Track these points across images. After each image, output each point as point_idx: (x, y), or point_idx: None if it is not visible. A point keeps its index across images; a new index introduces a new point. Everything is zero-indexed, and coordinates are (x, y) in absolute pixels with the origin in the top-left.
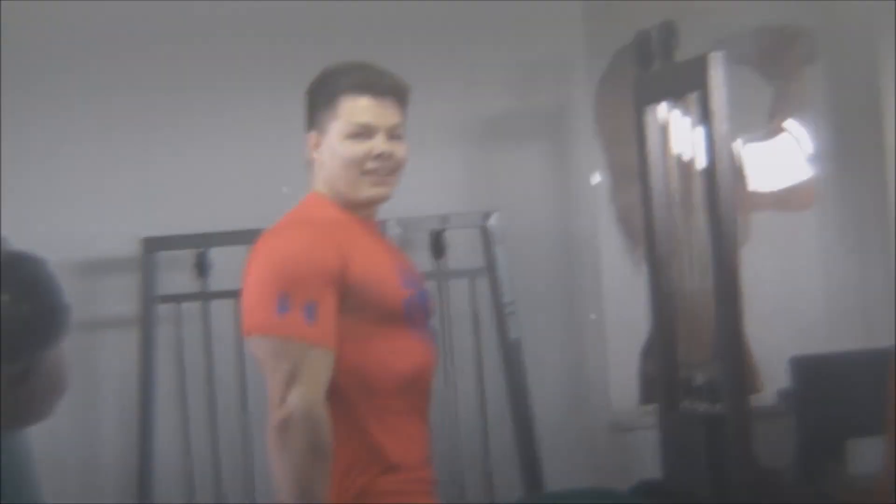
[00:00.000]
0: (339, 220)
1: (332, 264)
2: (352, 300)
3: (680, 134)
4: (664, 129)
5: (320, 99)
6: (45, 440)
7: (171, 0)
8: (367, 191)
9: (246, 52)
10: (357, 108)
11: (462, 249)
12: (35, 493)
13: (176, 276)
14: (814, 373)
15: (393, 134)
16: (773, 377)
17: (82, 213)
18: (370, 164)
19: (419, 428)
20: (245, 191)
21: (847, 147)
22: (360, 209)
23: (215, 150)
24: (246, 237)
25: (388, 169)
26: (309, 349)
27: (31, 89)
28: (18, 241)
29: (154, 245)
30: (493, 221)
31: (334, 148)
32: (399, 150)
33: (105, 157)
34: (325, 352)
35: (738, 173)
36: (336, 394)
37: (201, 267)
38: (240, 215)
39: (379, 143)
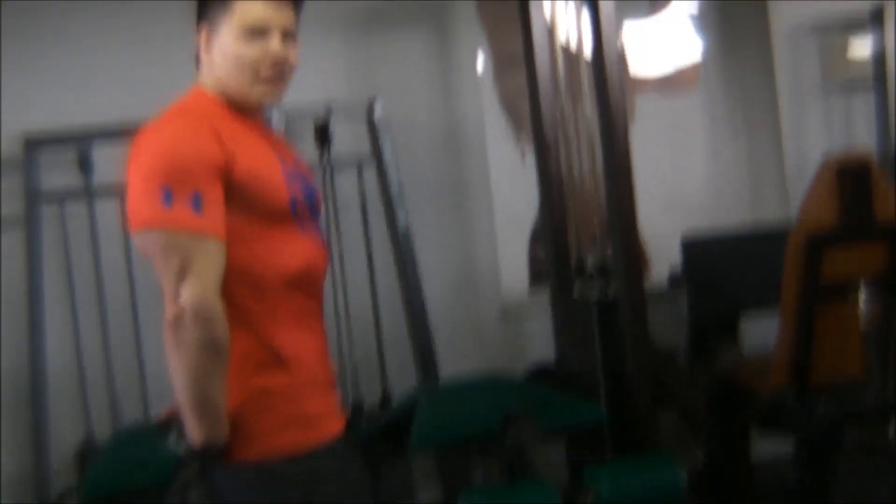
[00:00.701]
0: (220, 113)
1: (215, 155)
2: (237, 198)
3: (564, 18)
4: (548, 14)
5: None
6: None
7: None
8: (260, 94)
9: None
10: (252, 7)
11: (348, 138)
12: None
13: (58, 174)
14: (704, 253)
15: (287, 35)
16: (665, 259)
17: None
18: (265, 70)
19: (312, 326)
20: (127, 85)
21: (731, 26)
22: (249, 110)
23: (98, 41)
24: (130, 131)
25: (281, 73)
26: (199, 241)
27: None
28: None
29: (36, 142)
30: (377, 109)
31: (227, 48)
32: (292, 53)
33: None
34: (215, 243)
35: (623, 56)
36: (225, 293)
37: (84, 164)
38: (123, 109)
39: (274, 45)
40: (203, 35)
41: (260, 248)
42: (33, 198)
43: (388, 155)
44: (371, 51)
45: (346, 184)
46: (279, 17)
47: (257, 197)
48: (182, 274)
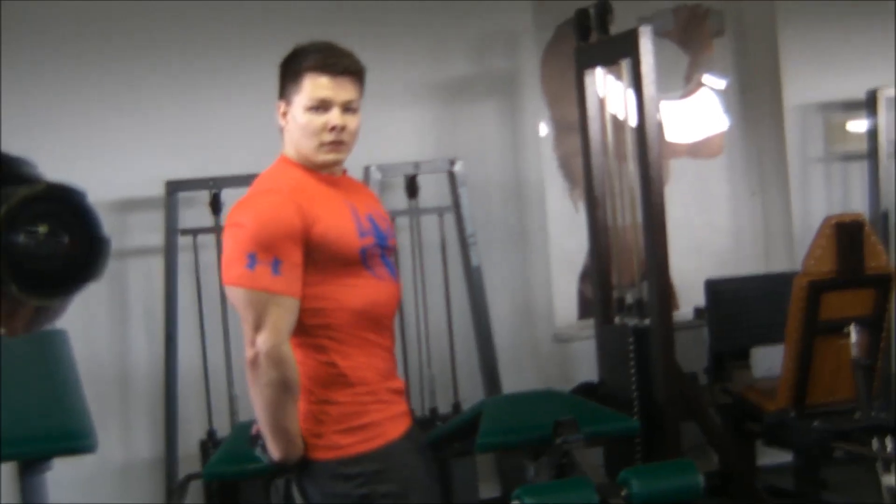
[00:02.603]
0: (302, 183)
1: (296, 226)
2: (315, 255)
3: (613, 94)
4: (600, 91)
5: (289, 74)
6: (85, 349)
7: None
8: (324, 156)
9: (249, 20)
10: (317, 86)
11: (432, 190)
12: (76, 391)
13: (193, 213)
14: (724, 293)
15: (347, 108)
16: (691, 297)
17: (114, 159)
18: (326, 136)
19: (378, 353)
20: (251, 141)
21: (750, 104)
22: (321, 169)
23: (227, 108)
24: (251, 180)
25: (341, 138)
26: (273, 297)
27: (68, 49)
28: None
29: (175, 186)
30: (457, 167)
31: (297, 118)
32: (352, 122)
33: (134, 110)
34: (288, 298)
35: (661, 127)
36: (301, 329)
37: (215, 205)
38: (246, 162)
39: (334, 117)
40: (281, 107)
41: (330, 292)
42: (172, 232)
43: (464, 205)
44: (453, 118)
45: (429, 228)
46: (340, 93)
47: (332, 252)
48: (258, 324)
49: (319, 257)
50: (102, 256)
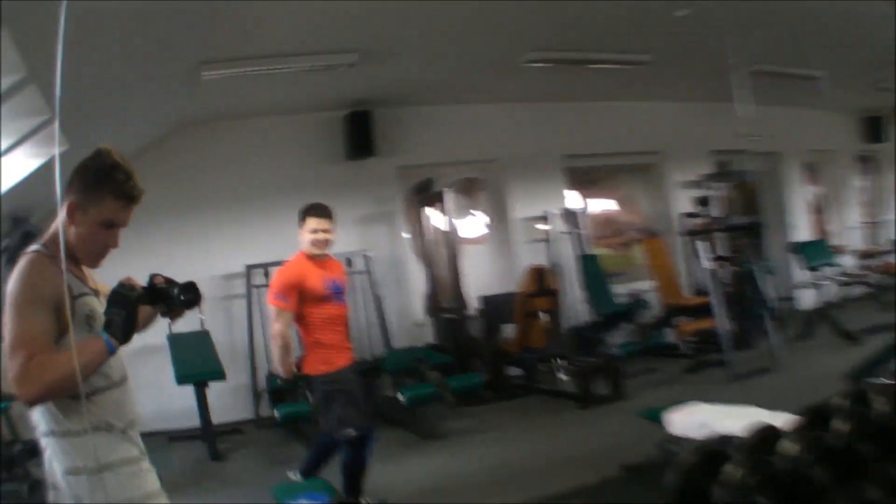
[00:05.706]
0: (301, 263)
1: (295, 281)
2: (305, 295)
3: (435, 218)
4: (430, 217)
5: (301, 216)
6: (222, 338)
7: None
8: (315, 251)
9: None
10: (314, 222)
11: (358, 265)
12: (214, 355)
13: (259, 279)
14: (489, 301)
15: (328, 230)
16: (475, 304)
17: (224, 255)
18: (318, 242)
19: (339, 332)
20: (284, 243)
21: (498, 222)
22: (315, 258)
23: (272, 229)
24: (282, 263)
25: (323, 244)
26: (282, 311)
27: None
28: (184, 272)
29: (250, 267)
30: (370, 254)
31: (304, 236)
32: (330, 236)
33: (222, 231)
34: (288, 312)
35: (456, 231)
36: (304, 324)
37: (267, 275)
38: (281, 253)
39: (321, 235)
40: (300, 231)
41: (312, 311)
42: (249, 287)
43: (372, 271)
44: (364, 234)
45: (361, 280)
46: (324, 224)
47: (312, 294)
48: (275, 321)
49: (307, 297)
50: (201, 299)
